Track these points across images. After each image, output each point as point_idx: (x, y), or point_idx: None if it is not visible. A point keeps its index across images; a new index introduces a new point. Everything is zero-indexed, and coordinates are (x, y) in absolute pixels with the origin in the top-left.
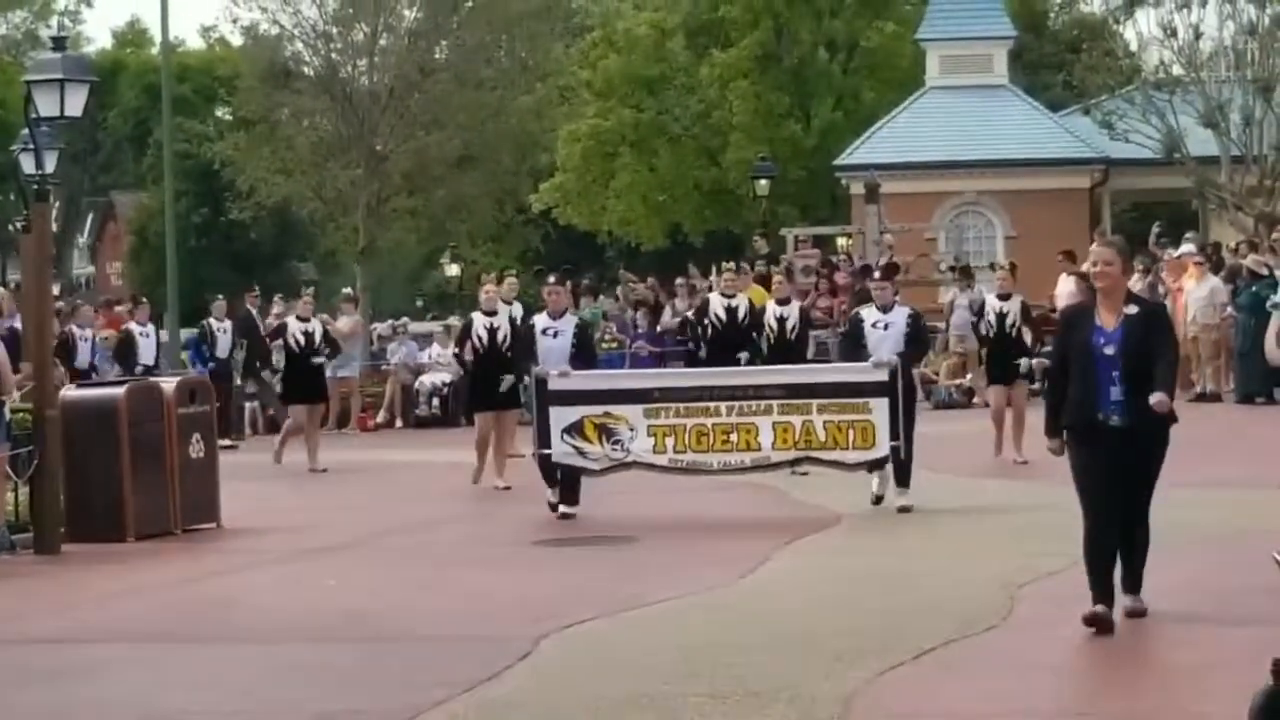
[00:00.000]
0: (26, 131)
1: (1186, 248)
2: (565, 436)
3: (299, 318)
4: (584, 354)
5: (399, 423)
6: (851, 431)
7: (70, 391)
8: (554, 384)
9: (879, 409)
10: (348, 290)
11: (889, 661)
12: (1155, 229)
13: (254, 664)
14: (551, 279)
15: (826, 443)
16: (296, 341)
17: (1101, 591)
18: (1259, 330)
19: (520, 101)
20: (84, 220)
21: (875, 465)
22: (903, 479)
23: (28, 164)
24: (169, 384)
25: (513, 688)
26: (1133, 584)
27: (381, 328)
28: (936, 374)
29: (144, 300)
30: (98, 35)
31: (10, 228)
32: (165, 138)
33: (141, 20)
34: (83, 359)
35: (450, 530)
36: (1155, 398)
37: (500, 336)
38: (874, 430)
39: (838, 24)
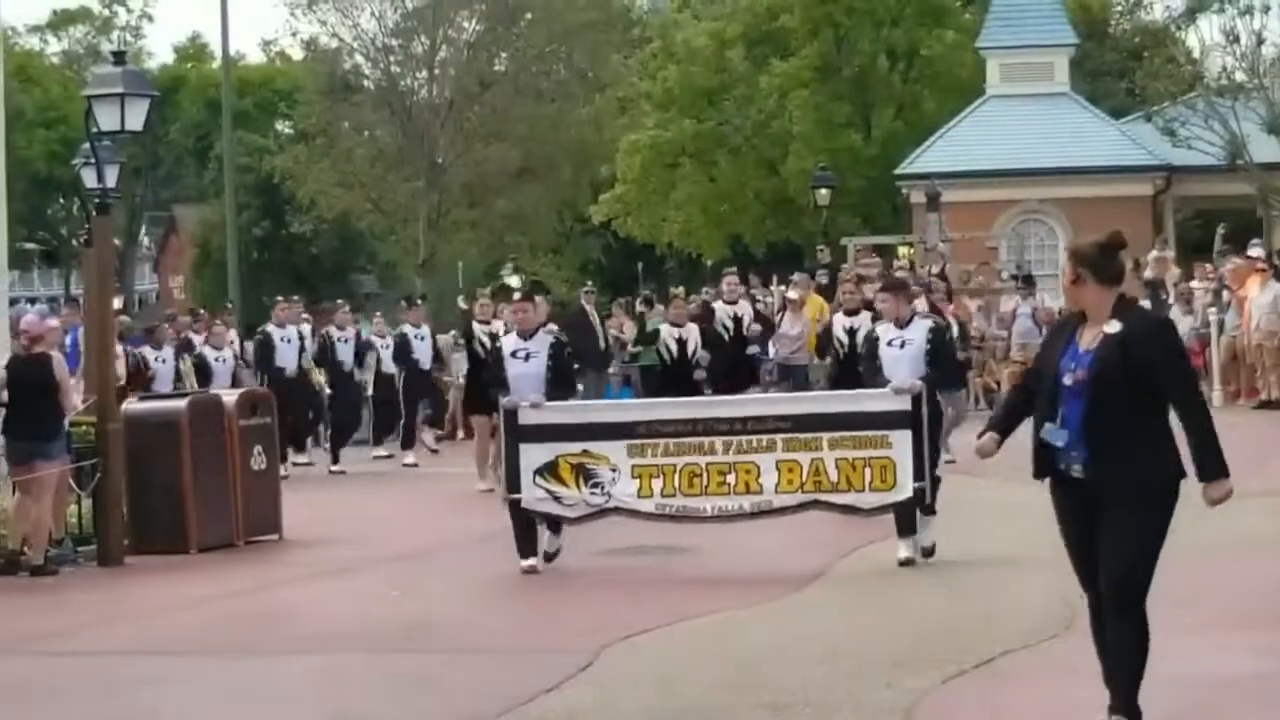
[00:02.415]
0: (88, 146)
1: (1253, 253)
2: (538, 479)
3: (480, 320)
4: (560, 380)
5: (460, 434)
6: (869, 470)
7: (133, 404)
8: (524, 417)
9: (900, 443)
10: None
11: (949, 671)
12: (1220, 232)
13: (315, 675)
14: (518, 295)
15: (839, 484)
16: (482, 344)
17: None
18: None
19: (580, 113)
20: (146, 234)
21: (899, 509)
22: (908, 526)
23: (89, 178)
24: (230, 396)
25: (573, 699)
26: (1116, 703)
27: (443, 339)
28: (998, 383)
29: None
30: (159, 50)
31: (73, 242)
32: (226, 151)
33: (202, 35)
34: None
35: (509, 541)
36: (1214, 494)
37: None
38: (894, 468)
39: (898, 33)
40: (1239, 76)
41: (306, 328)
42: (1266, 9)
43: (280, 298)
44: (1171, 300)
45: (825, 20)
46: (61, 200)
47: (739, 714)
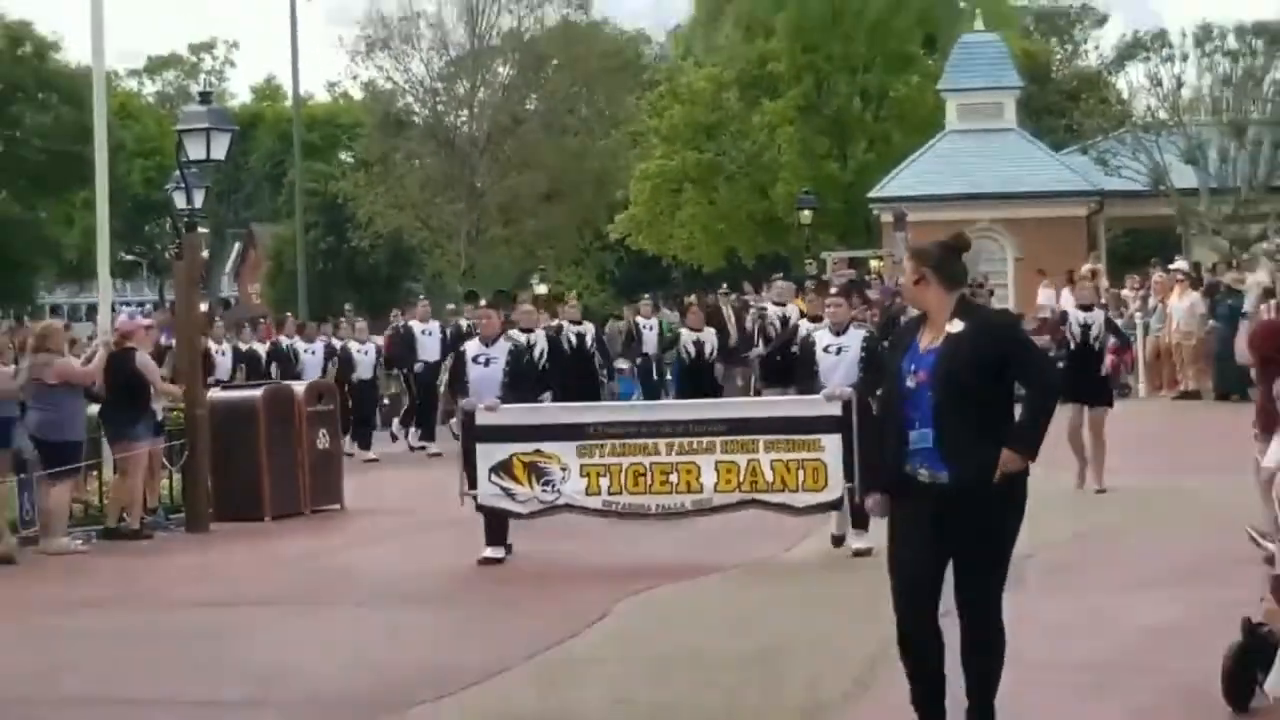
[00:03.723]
0: (179, 173)
1: (1174, 266)
2: (493, 476)
3: (572, 321)
4: (516, 384)
5: None
6: (801, 472)
7: (216, 393)
8: (481, 418)
9: (831, 447)
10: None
11: None
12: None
13: (368, 624)
14: (482, 302)
15: (774, 484)
16: (570, 343)
17: None
18: (1232, 337)
19: (599, 145)
20: (229, 248)
21: (830, 508)
22: (860, 520)
23: (180, 200)
24: (300, 387)
25: (591, 644)
26: (975, 714)
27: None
28: None
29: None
30: (239, 91)
31: (166, 254)
32: (297, 178)
33: (277, 78)
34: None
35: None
36: (1007, 456)
37: (537, 354)
38: (825, 471)
39: (870, 77)
40: (1162, 115)
41: (436, 324)
42: (1185, 57)
43: (422, 297)
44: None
45: (808, 67)
46: (156, 219)
47: (730, 657)
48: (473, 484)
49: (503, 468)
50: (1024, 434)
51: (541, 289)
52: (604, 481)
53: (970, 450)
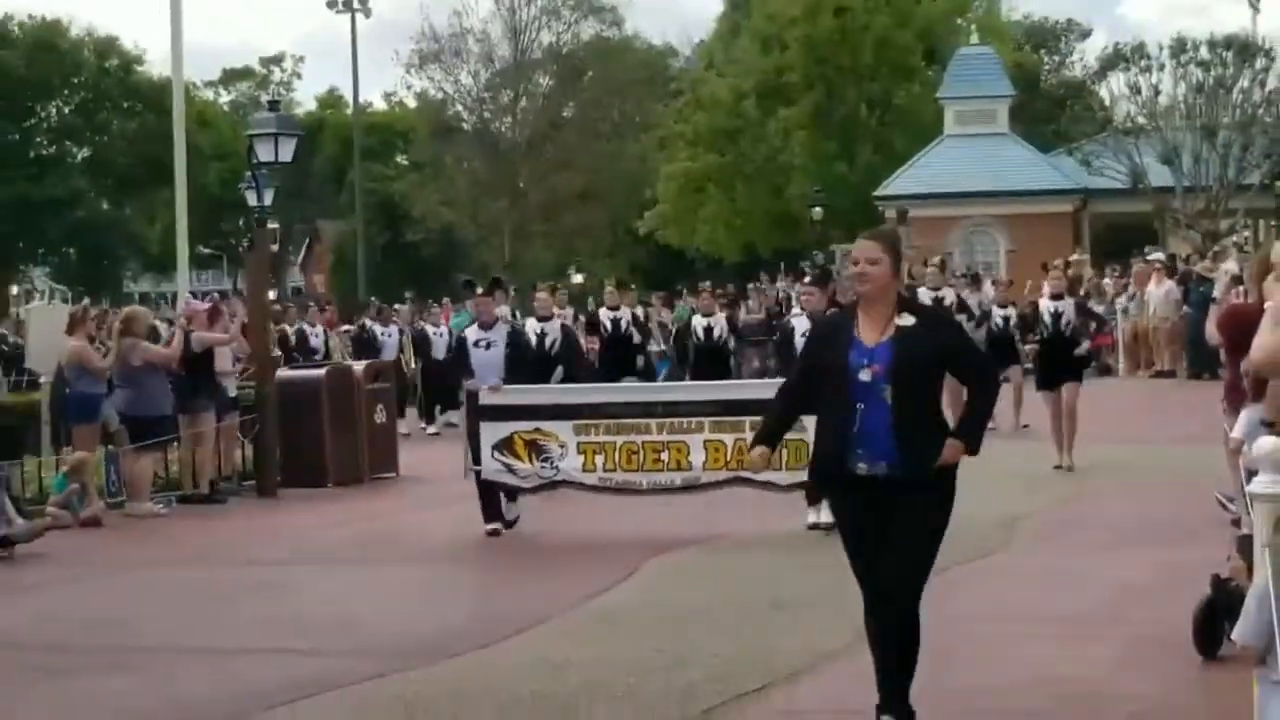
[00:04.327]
0: (250, 174)
1: (1151, 257)
2: (496, 453)
3: (610, 306)
4: (515, 366)
5: None
6: (785, 451)
7: (284, 372)
8: (485, 398)
9: (812, 426)
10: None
11: None
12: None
13: (420, 580)
14: (479, 290)
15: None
16: (605, 327)
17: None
18: (1203, 321)
19: (630, 149)
20: (296, 243)
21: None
22: (813, 497)
23: (251, 198)
24: (359, 366)
25: (621, 599)
26: (887, 699)
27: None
28: None
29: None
30: (305, 100)
31: (239, 248)
32: (357, 179)
33: (339, 88)
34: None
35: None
36: (949, 453)
37: (549, 342)
38: (807, 449)
39: (875, 87)
40: (1140, 120)
41: (505, 308)
42: (1162, 68)
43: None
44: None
45: (819, 77)
46: (231, 216)
47: (747, 609)
48: (477, 460)
49: (505, 445)
50: (972, 429)
51: (578, 278)
52: (599, 459)
53: (921, 441)
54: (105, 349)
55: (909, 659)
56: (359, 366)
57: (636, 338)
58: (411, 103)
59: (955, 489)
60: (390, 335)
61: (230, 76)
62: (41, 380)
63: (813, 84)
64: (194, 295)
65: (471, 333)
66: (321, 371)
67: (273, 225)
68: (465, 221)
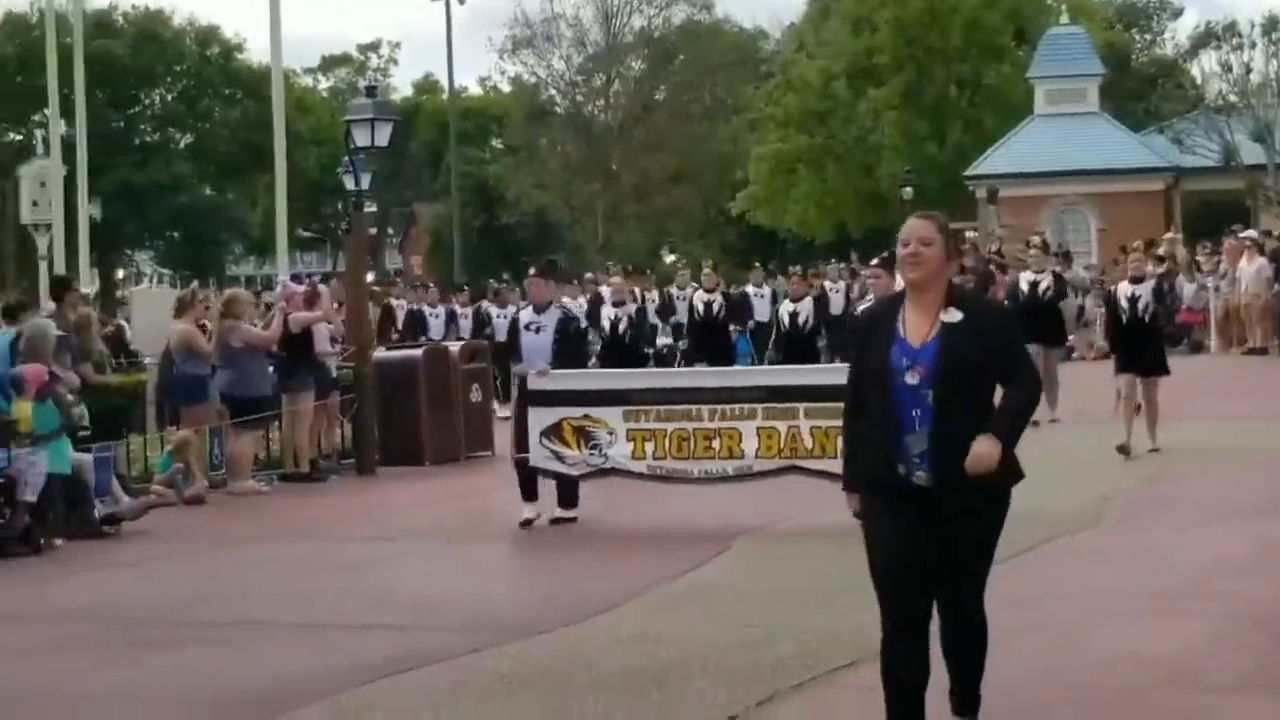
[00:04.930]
0: (347, 158)
1: (1243, 235)
2: (543, 440)
3: (706, 289)
4: (567, 351)
5: None
6: (841, 439)
7: (382, 353)
8: (533, 383)
9: None
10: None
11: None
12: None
13: (512, 557)
14: (532, 270)
15: (814, 450)
16: (695, 309)
17: None
18: None
19: (721, 131)
20: (395, 226)
21: None
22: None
23: (349, 182)
24: (455, 347)
25: (709, 576)
26: (960, 702)
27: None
28: None
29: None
30: (402, 86)
31: (339, 231)
32: (453, 162)
33: (434, 74)
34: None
35: None
36: (977, 448)
37: (621, 328)
38: None
39: (965, 67)
40: (1232, 98)
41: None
42: (1253, 45)
43: (611, 264)
44: (1179, 271)
45: (909, 58)
46: (331, 200)
47: (831, 589)
48: (524, 447)
49: (553, 431)
50: (1007, 430)
51: (670, 258)
52: (649, 446)
53: (961, 455)
54: (210, 332)
55: (970, 668)
56: (455, 347)
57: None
58: (506, 87)
59: (1009, 499)
60: (506, 317)
61: (329, 63)
62: (146, 361)
63: (903, 65)
64: (294, 278)
65: (524, 315)
66: (418, 351)
67: (371, 209)
68: (558, 204)
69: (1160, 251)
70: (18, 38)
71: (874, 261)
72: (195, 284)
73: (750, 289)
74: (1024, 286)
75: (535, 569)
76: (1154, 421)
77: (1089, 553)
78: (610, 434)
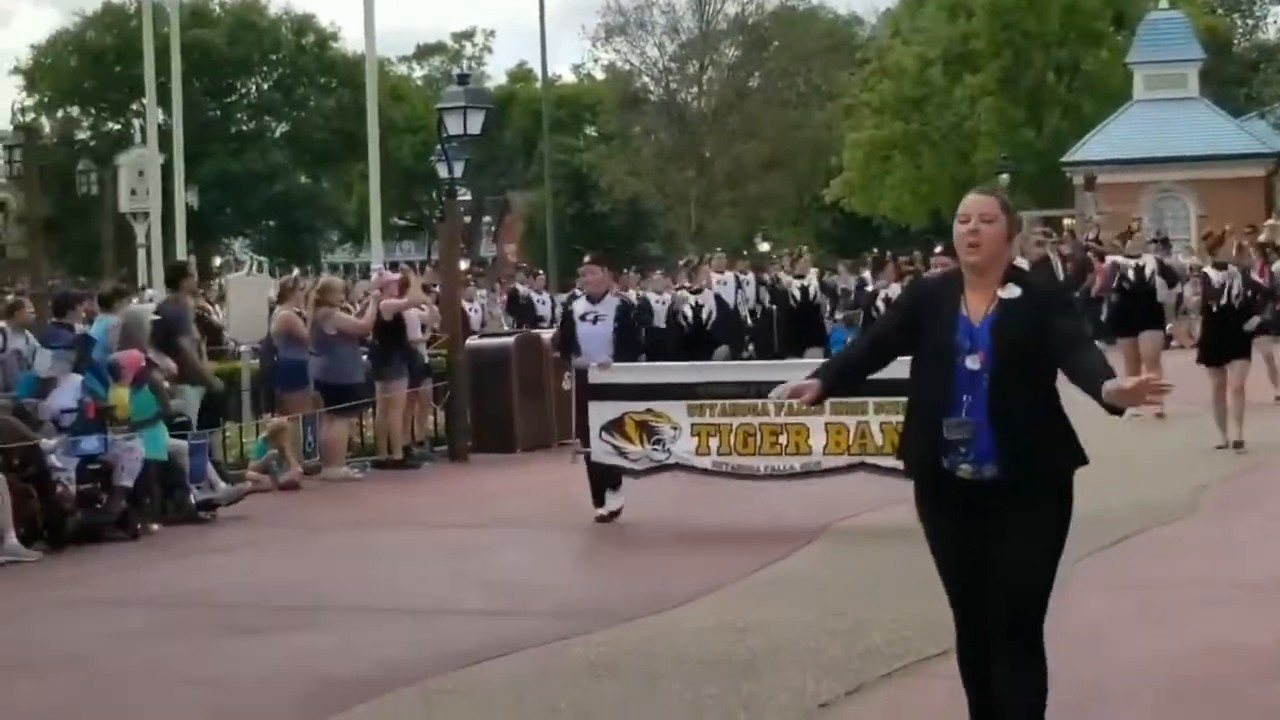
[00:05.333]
0: (440, 147)
1: None
2: (604, 434)
3: (797, 276)
4: (627, 341)
5: None
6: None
7: (474, 341)
8: (594, 376)
9: None
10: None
11: (1095, 545)
12: None
13: (600, 545)
14: (587, 257)
15: (884, 447)
16: (793, 296)
17: None
18: None
19: (815, 117)
20: (490, 214)
21: None
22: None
23: (442, 171)
24: (546, 334)
25: (799, 565)
26: None
27: None
28: None
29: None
30: (496, 74)
31: (432, 219)
32: (546, 150)
33: (528, 62)
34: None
35: None
36: (1110, 386)
37: (705, 314)
38: None
39: (1063, 52)
40: None
41: (731, 275)
42: None
43: (719, 250)
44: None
45: (1006, 43)
46: (425, 189)
47: (915, 575)
48: (585, 441)
49: (615, 426)
50: (1113, 374)
51: (764, 246)
52: (714, 442)
53: (1030, 439)
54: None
55: (1037, 702)
56: (547, 334)
57: (826, 306)
58: (599, 75)
59: (1073, 493)
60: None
61: (423, 52)
62: (241, 348)
63: (999, 51)
64: (392, 265)
65: (579, 306)
66: (511, 340)
67: (465, 197)
68: (652, 192)
69: (1262, 238)
70: (116, 28)
71: (938, 249)
72: (296, 271)
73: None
74: (1129, 274)
75: (624, 558)
76: (1241, 412)
77: (1183, 543)
78: (674, 429)
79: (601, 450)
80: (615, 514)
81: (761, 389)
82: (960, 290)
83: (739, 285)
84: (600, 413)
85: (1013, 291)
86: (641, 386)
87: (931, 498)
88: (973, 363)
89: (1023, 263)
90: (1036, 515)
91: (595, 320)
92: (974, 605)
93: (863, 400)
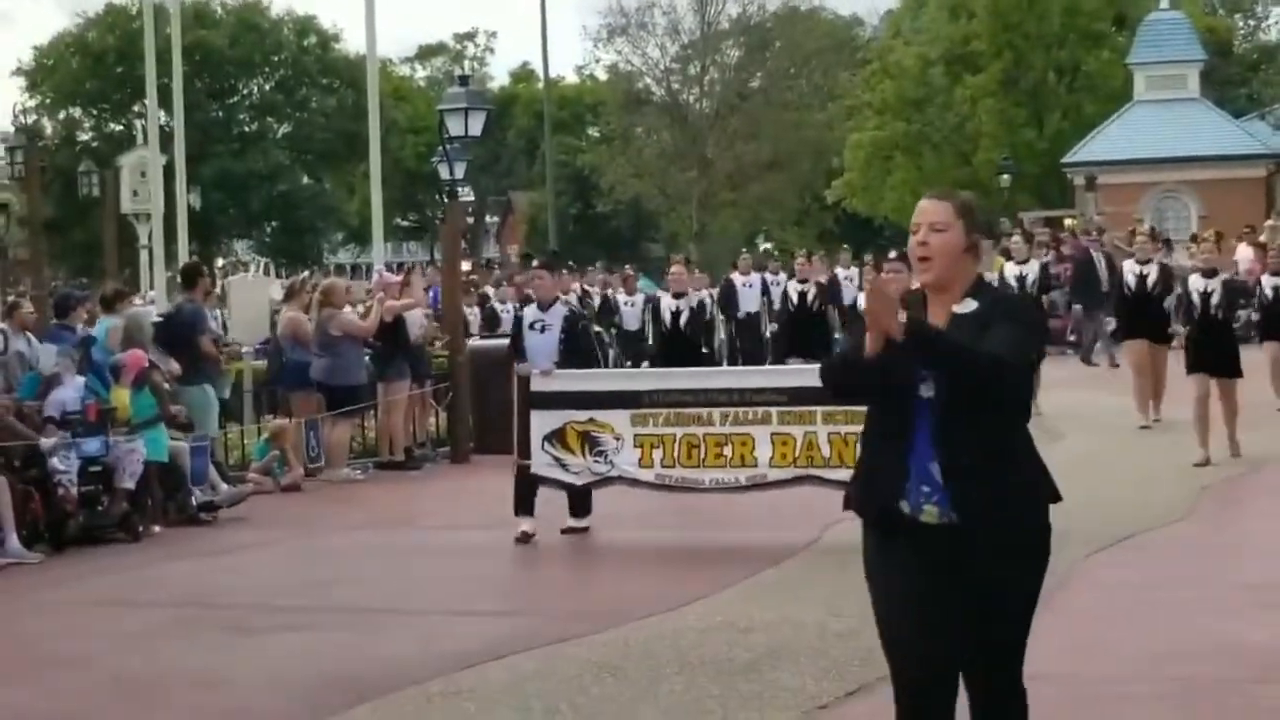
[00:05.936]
0: (442, 147)
1: None
2: (546, 445)
3: (800, 280)
4: (574, 350)
5: None
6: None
7: (476, 341)
8: (536, 384)
9: None
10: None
11: (1095, 545)
12: None
13: (602, 546)
14: (535, 263)
15: (831, 459)
16: (793, 302)
17: None
18: None
19: (816, 118)
20: (492, 214)
21: None
22: None
23: (443, 171)
24: None
25: (800, 566)
26: None
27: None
28: None
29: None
30: (499, 75)
31: (436, 220)
32: (548, 151)
33: (530, 63)
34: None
35: None
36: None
37: (682, 320)
38: None
39: (1063, 53)
40: None
41: (757, 276)
42: None
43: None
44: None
45: (1007, 44)
46: (428, 190)
47: None
48: (525, 453)
49: (556, 436)
50: (948, 340)
51: (765, 246)
52: (657, 454)
53: (979, 485)
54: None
55: None
56: None
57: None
58: (601, 76)
59: (1050, 540)
60: (634, 305)
61: (425, 53)
62: (243, 350)
63: (1000, 51)
64: (398, 266)
65: (529, 313)
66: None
67: (468, 197)
68: (653, 192)
69: (1262, 238)
70: (118, 29)
71: (892, 254)
72: (306, 273)
73: (840, 271)
74: (1130, 279)
75: (625, 559)
76: (1233, 421)
77: (1183, 543)
78: (617, 439)
79: (542, 462)
80: (529, 537)
81: (711, 397)
82: (925, 307)
83: (765, 288)
84: (542, 422)
85: (968, 306)
86: (585, 394)
87: (884, 545)
88: (925, 389)
89: (1014, 268)
90: (1002, 565)
91: (543, 329)
92: (922, 682)
93: (810, 409)
